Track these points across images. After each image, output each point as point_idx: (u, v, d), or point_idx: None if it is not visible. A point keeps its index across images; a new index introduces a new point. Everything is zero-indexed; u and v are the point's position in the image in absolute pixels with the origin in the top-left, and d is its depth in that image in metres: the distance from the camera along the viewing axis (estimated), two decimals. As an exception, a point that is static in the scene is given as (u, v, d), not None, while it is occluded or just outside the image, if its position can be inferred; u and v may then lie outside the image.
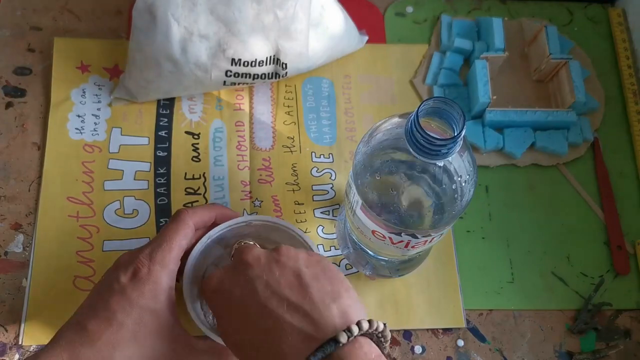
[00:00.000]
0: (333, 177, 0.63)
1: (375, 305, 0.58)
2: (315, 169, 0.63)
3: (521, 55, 0.70)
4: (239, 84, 0.61)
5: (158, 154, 0.62)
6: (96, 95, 0.63)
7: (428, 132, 0.40)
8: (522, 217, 0.63)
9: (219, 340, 0.46)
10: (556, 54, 0.65)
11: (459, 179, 0.45)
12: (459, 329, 0.58)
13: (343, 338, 0.37)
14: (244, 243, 0.50)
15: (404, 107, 0.66)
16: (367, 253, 0.55)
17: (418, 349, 0.57)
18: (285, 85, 0.66)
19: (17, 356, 0.53)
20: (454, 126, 0.41)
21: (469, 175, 0.45)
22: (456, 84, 0.67)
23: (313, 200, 0.61)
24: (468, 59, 0.68)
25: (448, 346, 0.57)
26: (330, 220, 0.61)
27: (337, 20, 0.63)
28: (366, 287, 0.58)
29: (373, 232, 0.48)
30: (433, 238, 0.48)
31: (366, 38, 0.68)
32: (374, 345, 0.39)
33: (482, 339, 0.58)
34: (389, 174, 0.46)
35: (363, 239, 0.52)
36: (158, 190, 0.60)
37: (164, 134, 0.62)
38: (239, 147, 0.63)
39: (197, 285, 0.51)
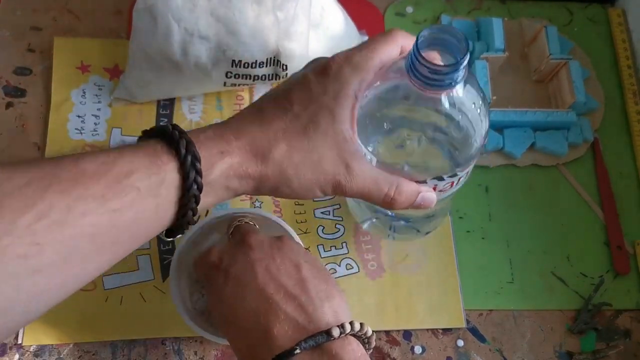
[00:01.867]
0: (333, 177, 0.63)
1: (375, 305, 0.58)
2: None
3: (521, 55, 0.70)
4: (239, 85, 0.61)
5: (158, 154, 0.62)
6: (96, 95, 0.63)
7: (432, 62, 0.37)
8: (522, 217, 0.63)
9: (196, 329, 0.48)
10: (556, 54, 0.65)
11: (471, 108, 0.42)
12: (458, 329, 0.58)
13: (335, 332, 0.38)
14: (245, 222, 0.49)
15: (404, 107, 0.66)
16: (391, 217, 0.55)
17: (418, 349, 0.57)
18: (285, 86, 0.66)
19: (17, 356, 0.53)
20: (456, 54, 0.38)
21: (476, 103, 0.42)
22: (456, 84, 0.67)
23: (313, 201, 0.61)
24: (468, 59, 0.68)
25: (448, 346, 0.57)
26: (330, 220, 0.61)
27: (337, 21, 0.63)
28: (366, 287, 0.58)
29: None
30: (460, 178, 0.45)
31: (366, 38, 0.68)
32: (360, 345, 0.40)
33: (482, 339, 0.58)
34: (392, 133, 0.44)
35: None
36: (158, 190, 0.60)
37: (164, 134, 0.62)
38: (239, 147, 0.63)
39: (185, 273, 0.52)
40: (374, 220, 0.57)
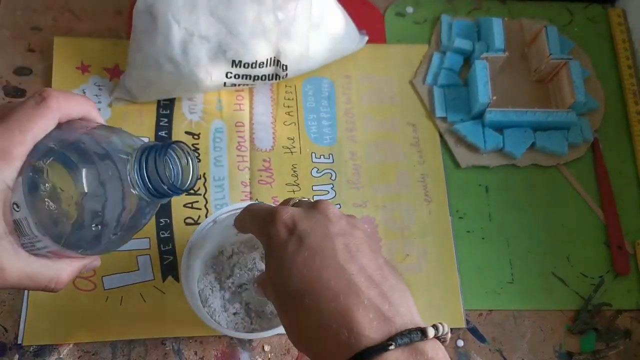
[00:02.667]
0: (333, 178, 0.63)
1: (375, 306, 0.58)
2: (316, 169, 0.63)
3: (521, 55, 0.70)
4: (239, 85, 0.61)
5: (158, 154, 0.62)
6: (96, 95, 0.63)
7: (171, 183, 0.37)
8: (522, 217, 0.63)
9: (211, 324, 0.46)
10: (556, 54, 0.65)
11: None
12: (458, 329, 0.58)
13: (431, 332, 0.34)
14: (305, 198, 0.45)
15: (403, 107, 0.67)
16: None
17: (418, 349, 0.57)
18: (286, 86, 0.66)
19: (17, 356, 0.53)
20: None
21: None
22: (456, 84, 0.67)
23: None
24: (468, 59, 0.68)
25: (448, 346, 0.57)
26: (330, 220, 0.61)
27: (337, 21, 0.63)
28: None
29: None
30: None
31: (366, 38, 0.68)
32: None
33: (482, 339, 0.58)
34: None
35: None
36: (158, 190, 0.60)
37: (164, 134, 0.62)
38: (239, 147, 0.63)
39: (198, 264, 0.52)
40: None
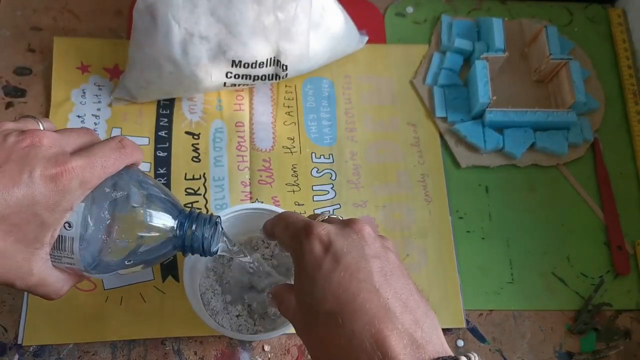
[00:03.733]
0: (333, 178, 0.63)
1: (376, 306, 0.58)
2: (316, 169, 0.63)
3: (521, 55, 0.70)
4: (239, 85, 0.61)
5: (158, 154, 0.62)
6: (96, 95, 0.63)
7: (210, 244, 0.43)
8: (522, 217, 0.63)
9: (216, 328, 0.45)
10: (556, 54, 0.65)
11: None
12: (458, 329, 0.58)
13: None
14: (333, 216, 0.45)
15: (404, 107, 0.67)
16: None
17: (418, 349, 0.57)
18: (286, 86, 0.66)
19: (17, 356, 0.53)
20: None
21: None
22: (456, 84, 0.67)
23: (313, 201, 0.61)
24: (468, 59, 0.69)
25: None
26: (330, 220, 0.61)
27: (337, 21, 0.63)
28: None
29: None
30: None
31: (366, 38, 0.68)
32: None
33: (482, 339, 0.58)
34: None
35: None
36: (158, 190, 0.60)
37: (164, 134, 0.62)
38: (239, 147, 0.63)
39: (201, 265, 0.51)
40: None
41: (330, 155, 0.64)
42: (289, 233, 0.42)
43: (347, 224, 0.40)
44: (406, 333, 0.34)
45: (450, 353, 0.35)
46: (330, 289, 0.37)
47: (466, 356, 0.34)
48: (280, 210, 0.46)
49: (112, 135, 0.61)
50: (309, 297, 0.38)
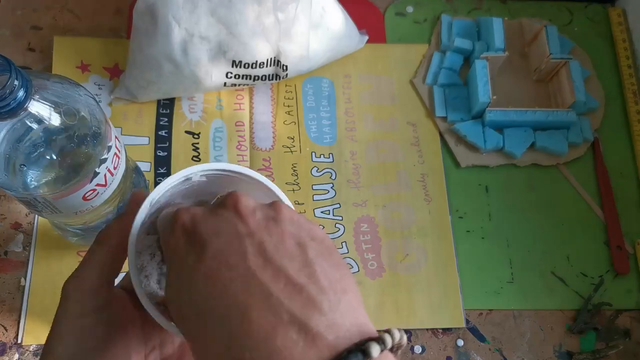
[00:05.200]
0: (333, 177, 0.63)
1: (375, 305, 0.58)
2: (316, 168, 0.63)
3: (521, 55, 0.70)
4: (239, 85, 0.61)
5: (158, 154, 0.62)
6: (96, 95, 0.63)
7: None
8: (522, 217, 0.63)
9: (160, 319, 0.33)
10: (556, 54, 0.65)
11: (53, 114, 0.41)
12: (458, 329, 0.58)
13: (375, 351, 0.26)
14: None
15: (404, 106, 0.67)
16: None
17: (418, 349, 0.57)
18: (286, 85, 0.66)
19: (17, 355, 0.53)
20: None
21: (59, 105, 0.41)
22: (456, 83, 0.67)
23: (313, 200, 0.61)
24: (468, 58, 0.68)
25: (448, 346, 0.57)
26: (330, 219, 0.61)
27: (337, 21, 0.63)
28: (366, 287, 0.58)
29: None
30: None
31: (366, 38, 0.68)
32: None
33: (481, 338, 0.58)
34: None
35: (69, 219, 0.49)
36: (158, 190, 0.60)
37: (164, 134, 0.62)
38: (239, 147, 0.63)
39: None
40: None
41: (330, 155, 0.64)
42: (160, 230, 0.35)
43: (222, 201, 0.32)
44: (295, 323, 0.26)
45: (368, 332, 0.27)
46: (198, 284, 0.29)
47: (380, 339, 0.27)
48: (255, 174, 0.36)
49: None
50: (178, 299, 0.30)
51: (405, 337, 0.28)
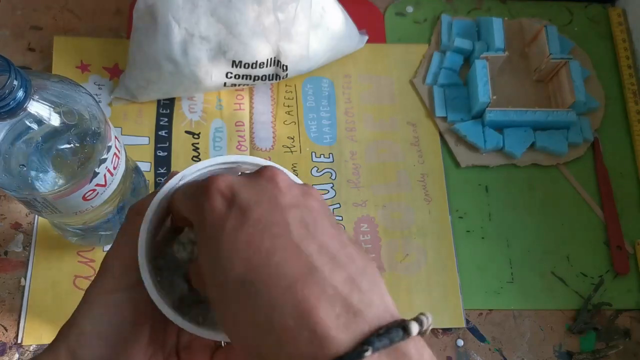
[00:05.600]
0: (333, 177, 0.63)
1: (375, 305, 0.58)
2: (316, 168, 0.63)
3: (521, 55, 0.70)
4: (239, 85, 0.61)
5: (158, 154, 0.62)
6: (96, 94, 0.63)
7: None
8: (522, 217, 0.63)
9: (168, 314, 0.33)
10: (556, 54, 0.65)
11: (52, 114, 0.41)
12: (458, 329, 0.58)
13: (414, 328, 0.27)
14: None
15: (403, 106, 0.67)
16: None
17: (418, 349, 0.57)
18: (286, 85, 0.66)
19: (17, 355, 0.53)
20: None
21: (58, 105, 0.41)
22: (456, 83, 0.67)
23: (313, 200, 0.61)
24: (468, 58, 0.68)
25: (448, 346, 0.57)
26: (330, 220, 0.61)
27: (337, 21, 0.63)
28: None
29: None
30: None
31: (366, 38, 0.68)
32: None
33: (481, 338, 0.58)
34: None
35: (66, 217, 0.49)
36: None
37: (164, 134, 0.62)
38: (239, 147, 0.63)
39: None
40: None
41: (330, 155, 0.64)
42: (187, 197, 0.33)
43: (257, 172, 0.32)
44: (338, 298, 0.27)
45: (398, 316, 0.28)
46: (238, 251, 0.28)
47: (417, 319, 0.28)
48: (263, 161, 0.35)
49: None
50: (214, 265, 0.29)
51: (431, 323, 0.29)
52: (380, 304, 0.28)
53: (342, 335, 0.26)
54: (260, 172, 0.31)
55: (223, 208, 0.30)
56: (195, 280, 0.35)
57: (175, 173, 0.36)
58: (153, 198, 0.35)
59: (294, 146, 0.64)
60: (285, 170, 0.33)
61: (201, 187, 0.31)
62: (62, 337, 0.34)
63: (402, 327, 0.27)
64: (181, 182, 0.35)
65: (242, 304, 0.28)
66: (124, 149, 0.49)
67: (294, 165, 0.63)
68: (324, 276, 0.27)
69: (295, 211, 0.29)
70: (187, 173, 0.35)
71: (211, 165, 0.35)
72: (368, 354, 0.25)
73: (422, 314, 0.28)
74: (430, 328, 0.29)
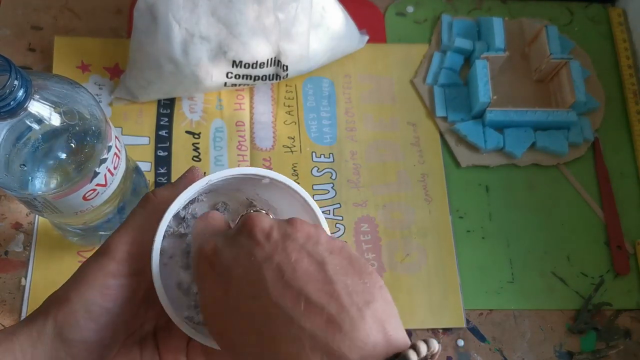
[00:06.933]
0: (333, 177, 0.63)
1: (376, 305, 0.58)
2: (316, 168, 0.63)
3: (522, 55, 0.70)
4: (239, 85, 0.61)
5: (158, 154, 0.62)
6: (97, 95, 0.63)
7: None
8: (522, 217, 0.63)
9: (203, 341, 0.34)
10: (556, 53, 0.65)
11: (53, 114, 0.41)
12: (459, 329, 0.58)
13: (413, 357, 0.26)
14: (253, 211, 0.37)
15: (404, 106, 0.67)
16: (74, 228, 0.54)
17: (418, 349, 0.57)
18: (286, 85, 0.66)
19: (17, 356, 0.53)
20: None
21: (59, 105, 0.41)
22: (456, 83, 0.67)
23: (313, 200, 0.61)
24: (468, 58, 0.68)
25: (448, 346, 0.57)
26: (330, 219, 0.61)
27: (337, 21, 0.63)
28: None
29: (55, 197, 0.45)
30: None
31: (367, 38, 0.68)
32: None
33: (482, 338, 0.58)
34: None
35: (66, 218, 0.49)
36: (158, 189, 0.60)
37: (164, 134, 0.62)
38: (240, 147, 0.63)
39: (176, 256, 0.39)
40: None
41: (331, 155, 0.64)
42: (194, 264, 0.35)
43: (239, 226, 0.33)
44: (317, 346, 0.26)
45: (396, 347, 0.27)
46: (229, 319, 0.30)
47: (398, 357, 0.26)
48: (275, 174, 0.37)
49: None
50: (213, 328, 0.32)
51: (435, 347, 0.27)
52: (370, 339, 0.27)
53: None
54: (241, 226, 0.32)
55: (209, 277, 0.32)
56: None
57: (197, 170, 0.37)
58: (174, 191, 0.36)
59: (294, 146, 0.64)
60: (304, 194, 0.36)
61: (195, 252, 0.34)
62: (51, 311, 0.33)
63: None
64: (206, 185, 0.36)
65: (232, 356, 0.30)
66: (124, 148, 0.49)
67: (294, 165, 0.63)
68: (301, 329, 0.27)
69: (271, 263, 0.30)
70: (213, 178, 0.36)
71: (238, 174, 0.36)
72: None
73: (416, 345, 0.27)
74: (434, 352, 0.27)
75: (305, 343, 0.27)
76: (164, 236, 0.36)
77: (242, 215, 0.37)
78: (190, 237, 0.38)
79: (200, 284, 0.33)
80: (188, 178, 0.37)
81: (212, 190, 0.39)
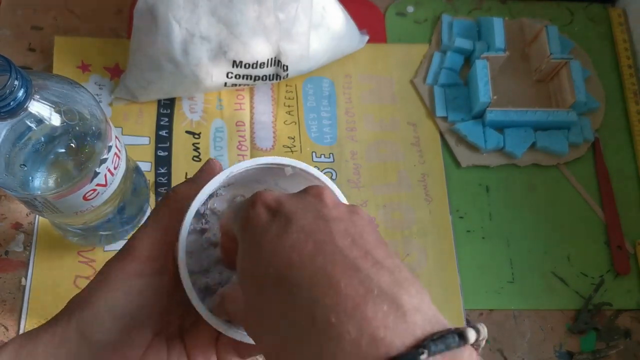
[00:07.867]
0: (334, 177, 0.63)
1: (376, 305, 0.58)
2: (316, 168, 0.63)
3: (522, 55, 0.70)
4: (239, 85, 0.61)
5: (159, 154, 0.62)
6: (97, 95, 0.63)
7: None
8: (522, 217, 0.63)
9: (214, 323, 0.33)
10: (557, 54, 0.65)
11: (53, 114, 0.41)
12: (459, 328, 0.58)
13: (471, 336, 0.25)
14: None
15: (404, 106, 0.67)
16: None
17: (418, 349, 0.57)
18: (286, 85, 0.66)
19: (18, 356, 0.53)
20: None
21: (59, 105, 0.41)
22: (457, 83, 0.67)
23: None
24: (468, 58, 0.68)
25: (448, 346, 0.57)
26: (330, 220, 0.61)
27: (338, 21, 0.63)
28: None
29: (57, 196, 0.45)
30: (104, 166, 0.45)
31: (367, 38, 0.68)
32: None
33: (482, 338, 0.58)
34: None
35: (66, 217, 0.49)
36: (159, 190, 0.60)
37: (164, 134, 0.62)
38: (240, 147, 0.63)
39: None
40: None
41: (331, 155, 0.64)
42: (234, 214, 0.33)
43: (304, 190, 0.32)
44: (386, 297, 0.25)
45: (446, 325, 0.26)
46: (280, 252, 0.28)
47: (474, 327, 0.26)
48: (298, 163, 0.36)
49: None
50: (253, 266, 0.29)
51: (486, 336, 0.27)
52: (429, 310, 0.26)
53: (392, 336, 0.24)
54: (307, 190, 0.31)
55: (268, 217, 0.30)
56: (227, 305, 0.34)
57: (215, 162, 0.37)
58: (194, 186, 0.35)
59: (295, 146, 0.64)
60: (334, 187, 0.35)
61: (248, 200, 0.31)
62: (74, 313, 0.33)
63: (458, 333, 0.25)
64: (227, 178, 0.35)
65: (281, 303, 0.27)
66: (124, 148, 0.49)
67: (295, 165, 0.63)
68: (368, 277, 0.26)
69: (340, 223, 0.29)
70: (234, 170, 0.35)
71: (260, 164, 0.36)
72: (423, 357, 0.24)
73: (478, 324, 0.27)
74: (483, 344, 0.27)
75: (373, 289, 0.25)
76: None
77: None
78: (207, 234, 0.38)
79: (253, 226, 0.30)
80: (207, 172, 0.37)
81: (230, 184, 0.38)
